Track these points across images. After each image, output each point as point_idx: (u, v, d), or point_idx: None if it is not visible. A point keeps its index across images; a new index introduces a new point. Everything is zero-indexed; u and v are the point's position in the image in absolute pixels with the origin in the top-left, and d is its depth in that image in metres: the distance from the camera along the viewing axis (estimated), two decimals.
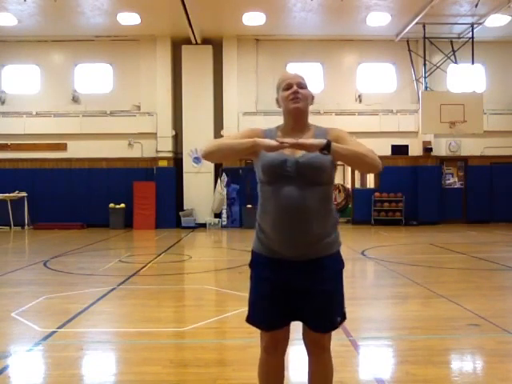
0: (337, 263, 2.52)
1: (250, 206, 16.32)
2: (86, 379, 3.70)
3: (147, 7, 15.13)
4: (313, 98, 2.58)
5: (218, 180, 17.10)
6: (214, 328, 4.95)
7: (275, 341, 2.55)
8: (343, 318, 2.54)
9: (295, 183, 2.36)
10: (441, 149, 18.25)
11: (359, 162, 2.39)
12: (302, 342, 2.59)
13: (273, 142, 2.32)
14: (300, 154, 2.39)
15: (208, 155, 2.47)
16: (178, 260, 10.07)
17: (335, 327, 2.52)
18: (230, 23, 16.55)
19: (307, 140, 2.32)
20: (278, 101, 2.59)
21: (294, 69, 17.86)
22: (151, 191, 17.26)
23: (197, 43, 17.34)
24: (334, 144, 2.32)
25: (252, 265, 2.57)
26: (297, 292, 2.46)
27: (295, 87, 2.48)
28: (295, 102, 2.48)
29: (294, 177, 2.36)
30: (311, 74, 17.88)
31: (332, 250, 2.48)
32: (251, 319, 2.55)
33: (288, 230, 2.38)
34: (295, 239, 2.39)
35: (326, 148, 2.29)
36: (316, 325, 2.48)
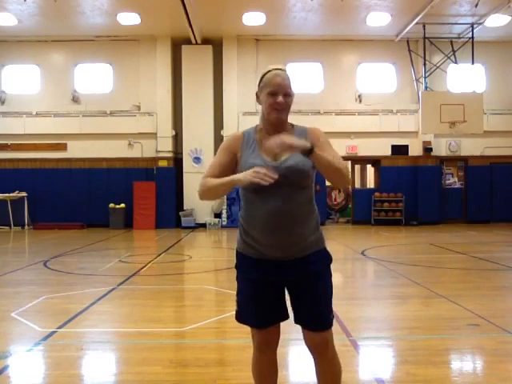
0: (324, 257, 2.52)
1: None
2: (86, 379, 3.70)
3: (147, 7, 15.14)
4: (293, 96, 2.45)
5: None
6: (213, 328, 4.95)
7: (267, 338, 2.54)
8: (332, 314, 2.50)
9: (279, 188, 2.31)
10: (441, 149, 18.26)
11: (334, 175, 2.32)
12: (302, 341, 2.58)
13: (254, 179, 2.19)
14: (282, 159, 2.34)
15: (202, 198, 2.54)
16: (178, 260, 10.06)
17: (330, 323, 2.48)
18: (230, 23, 16.55)
19: (292, 140, 2.21)
20: (258, 96, 2.47)
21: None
22: (151, 191, 17.27)
23: (197, 43, 17.34)
24: (316, 152, 2.23)
25: (238, 265, 2.55)
26: (287, 288, 2.49)
27: (281, 98, 2.36)
28: (278, 113, 2.39)
29: (278, 182, 2.25)
30: (311, 73, 17.90)
31: (318, 246, 2.48)
32: (240, 318, 2.56)
33: (276, 235, 2.38)
34: (283, 242, 2.39)
35: (308, 153, 2.22)
36: (310, 321, 2.46)
